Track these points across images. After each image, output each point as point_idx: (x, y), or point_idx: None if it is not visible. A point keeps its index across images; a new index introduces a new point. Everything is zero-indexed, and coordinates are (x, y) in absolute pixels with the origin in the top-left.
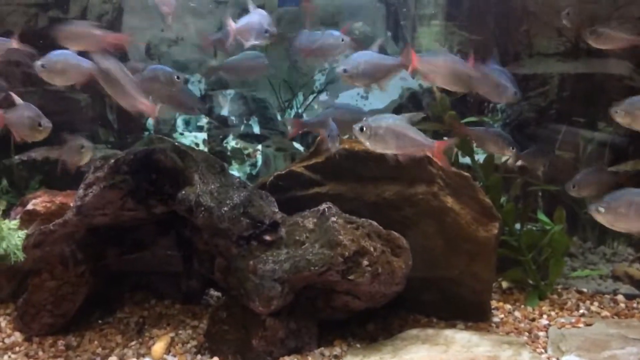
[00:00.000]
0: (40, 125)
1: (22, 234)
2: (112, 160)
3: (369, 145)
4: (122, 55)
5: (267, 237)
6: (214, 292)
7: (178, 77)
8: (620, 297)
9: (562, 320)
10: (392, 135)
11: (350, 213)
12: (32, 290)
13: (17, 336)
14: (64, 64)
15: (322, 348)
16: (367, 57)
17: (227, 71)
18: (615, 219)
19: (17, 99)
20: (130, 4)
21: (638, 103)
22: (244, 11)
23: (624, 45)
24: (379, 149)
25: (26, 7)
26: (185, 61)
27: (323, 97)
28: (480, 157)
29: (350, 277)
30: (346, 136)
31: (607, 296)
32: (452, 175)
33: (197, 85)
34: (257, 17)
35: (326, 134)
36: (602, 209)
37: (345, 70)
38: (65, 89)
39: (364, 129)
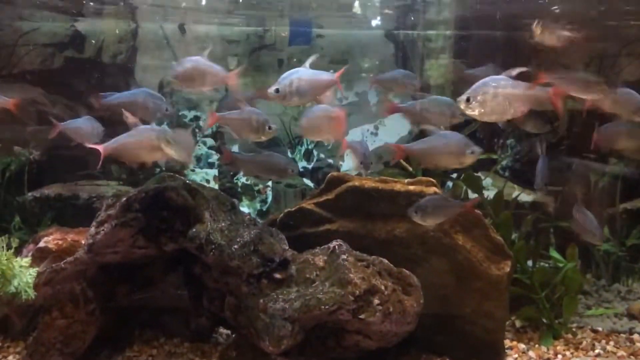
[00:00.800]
0: (270, 128)
1: (33, 271)
2: (124, 198)
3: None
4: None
5: (278, 275)
6: (223, 330)
7: (270, 127)
8: (636, 336)
9: None
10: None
11: (361, 250)
12: (42, 329)
13: None
14: None
15: None
16: (299, 74)
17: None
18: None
19: (242, 104)
20: (144, 43)
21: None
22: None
23: (564, 43)
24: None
25: (42, 47)
26: (197, 99)
27: None
28: (489, 193)
29: (361, 316)
30: None
31: (623, 335)
32: (463, 212)
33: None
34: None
35: (358, 159)
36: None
37: (277, 91)
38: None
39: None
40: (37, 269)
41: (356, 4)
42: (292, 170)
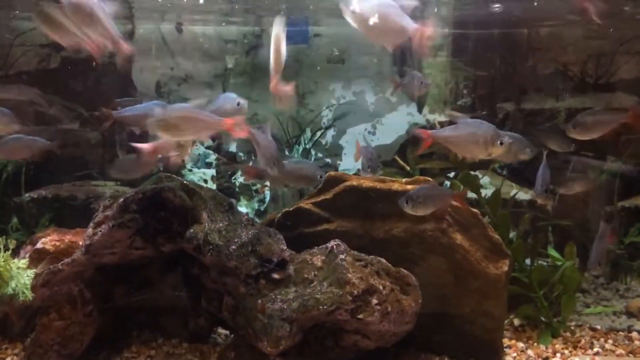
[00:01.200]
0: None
1: (31, 273)
2: (121, 199)
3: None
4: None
5: (276, 276)
6: (222, 331)
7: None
8: (635, 334)
9: (577, 359)
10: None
11: (359, 250)
12: (40, 330)
13: None
14: None
15: None
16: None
17: None
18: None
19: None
20: (141, 43)
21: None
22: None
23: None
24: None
25: (39, 48)
26: (194, 99)
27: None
28: (487, 192)
29: (360, 316)
30: None
31: (622, 333)
32: (460, 211)
33: None
34: None
35: (363, 163)
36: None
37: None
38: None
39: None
40: (34, 270)
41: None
42: (320, 177)
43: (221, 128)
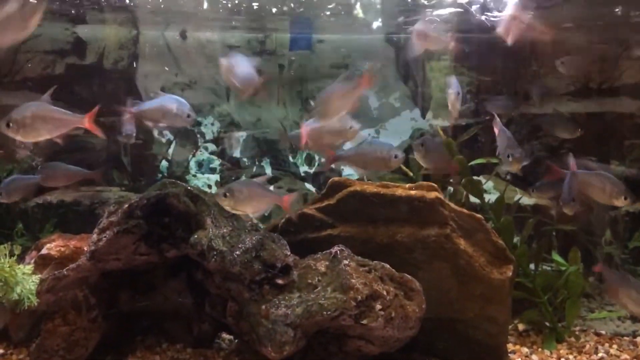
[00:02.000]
0: None
1: (36, 278)
2: (126, 205)
3: None
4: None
5: (280, 281)
6: (226, 336)
7: None
8: (639, 339)
9: None
10: None
11: (362, 255)
12: (45, 336)
13: None
14: None
15: None
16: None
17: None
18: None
19: None
20: (145, 50)
21: None
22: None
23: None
24: None
25: (44, 54)
26: (198, 104)
27: None
28: (491, 197)
29: (363, 322)
30: None
31: (627, 338)
32: (464, 217)
33: (210, 128)
34: None
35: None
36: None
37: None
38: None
39: None
40: (39, 275)
41: (357, 5)
42: (395, 156)
43: (77, 125)
